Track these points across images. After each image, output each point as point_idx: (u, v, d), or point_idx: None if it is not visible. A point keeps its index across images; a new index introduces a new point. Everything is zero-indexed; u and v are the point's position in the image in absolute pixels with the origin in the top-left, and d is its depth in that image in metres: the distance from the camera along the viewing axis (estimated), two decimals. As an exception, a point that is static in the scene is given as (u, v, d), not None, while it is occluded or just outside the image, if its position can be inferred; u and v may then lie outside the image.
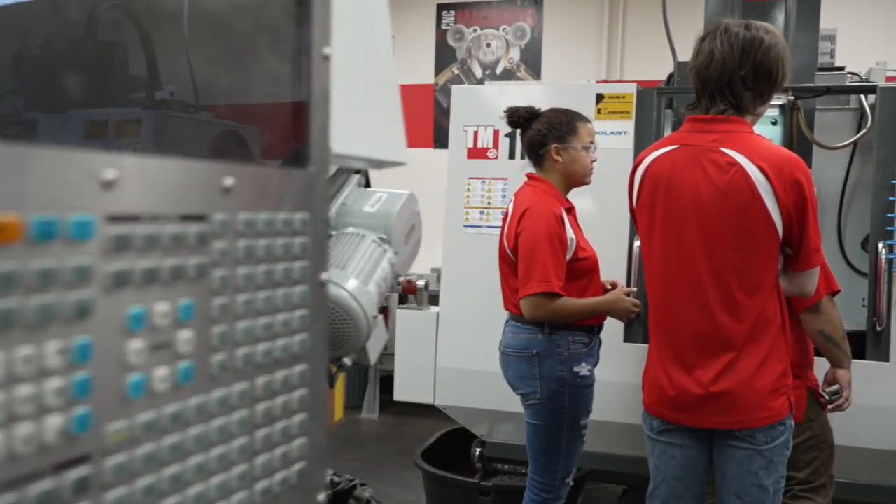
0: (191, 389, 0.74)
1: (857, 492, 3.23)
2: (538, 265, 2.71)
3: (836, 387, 2.65)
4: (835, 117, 3.69)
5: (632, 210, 2.38)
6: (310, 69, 0.88)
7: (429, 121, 7.22)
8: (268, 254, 0.84)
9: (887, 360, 3.11)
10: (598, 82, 4.13)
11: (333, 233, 1.33)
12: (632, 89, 3.51)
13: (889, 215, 3.12)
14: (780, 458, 2.19)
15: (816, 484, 2.74)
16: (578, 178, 2.92)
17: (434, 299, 3.74)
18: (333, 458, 4.95)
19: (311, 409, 0.91)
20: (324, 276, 0.92)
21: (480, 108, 3.65)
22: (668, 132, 3.49)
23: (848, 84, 3.50)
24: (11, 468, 0.57)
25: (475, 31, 7.17)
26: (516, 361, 2.86)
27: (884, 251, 3.10)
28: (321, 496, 0.94)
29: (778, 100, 3.29)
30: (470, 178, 3.64)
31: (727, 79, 2.14)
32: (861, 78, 3.60)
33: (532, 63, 7.07)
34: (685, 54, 2.59)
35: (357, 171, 1.41)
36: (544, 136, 2.90)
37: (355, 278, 1.25)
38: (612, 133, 3.46)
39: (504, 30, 7.11)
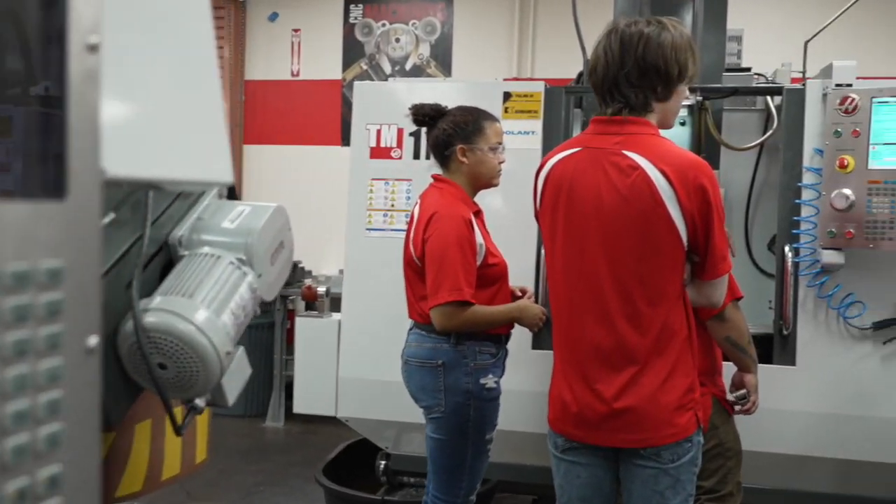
0: None
1: (766, 497, 3.23)
2: (448, 273, 2.58)
3: (743, 391, 2.63)
4: (742, 118, 3.68)
5: (536, 215, 2.27)
6: (65, 62, 0.65)
7: (336, 117, 7.02)
8: None
9: (794, 363, 3.10)
10: (506, 80, 4.00)
11: (185, 253, 1.16)
12: (539, 87, 3.40)
13: (795, 218, 3.09)
14: (688, 476, 2.10)
15: (723, 492, 2.72)
16: (486, 180, 2.81)
17: (336, 303, 3.57)
18: (234, 471, 4.75)
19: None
20: (92, 341, 0.71)
21: (384, 106, 3.50)
22: (577, 132, 3.41)
23: (755, 85, 3.48)
24: None
25: (384, 25, 6.99)
26: (419, 372, 2.73)
27: (790, 254, 3.08)
28: None
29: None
30: (373, 179, 3.49)
31: (612, 79, 2.06)
32: (767, 79, 3.59)
33: (443, 59, 6.93)
34: (595, 53, 2.50)
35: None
36: (450, 136, 2.77)
37: (205, 309, 1.07)
38: (520, 133, 3.35)
39: (414, 24, 6.94)
